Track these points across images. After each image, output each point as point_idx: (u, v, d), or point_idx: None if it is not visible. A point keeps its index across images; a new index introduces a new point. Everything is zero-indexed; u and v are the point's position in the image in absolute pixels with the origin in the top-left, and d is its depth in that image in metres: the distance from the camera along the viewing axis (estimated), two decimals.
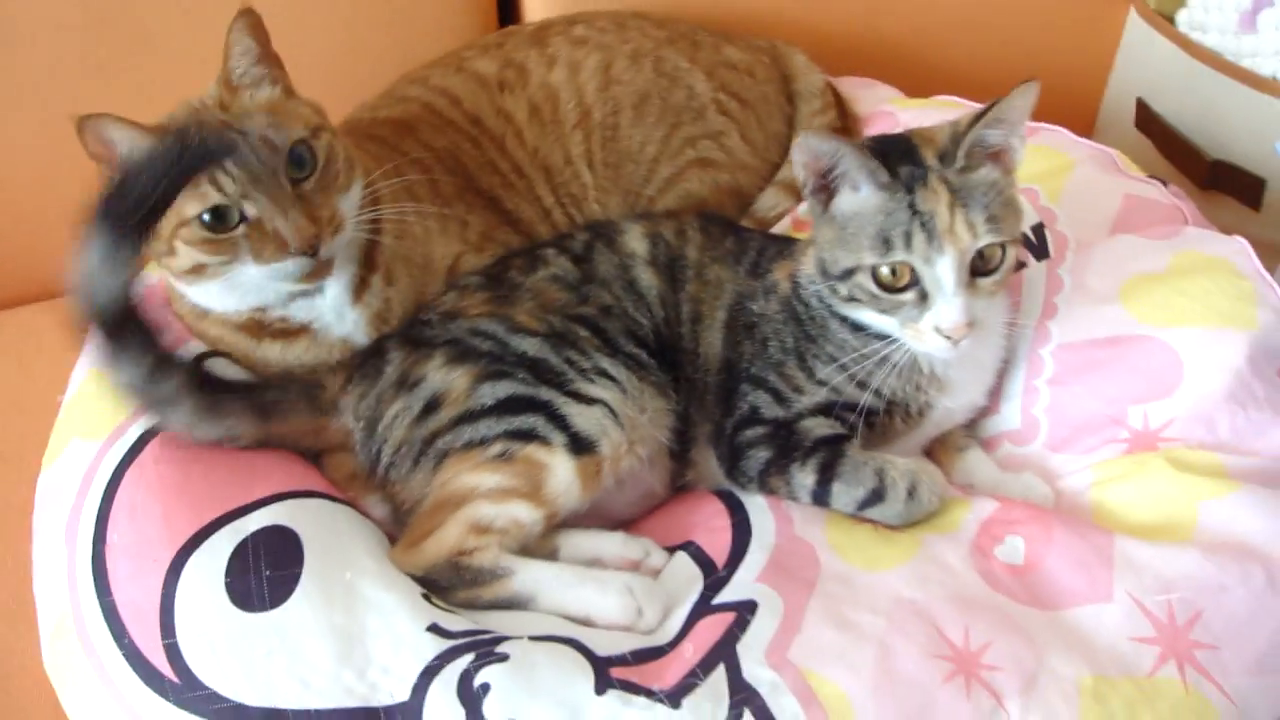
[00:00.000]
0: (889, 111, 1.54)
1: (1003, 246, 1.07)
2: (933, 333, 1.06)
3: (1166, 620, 0.98)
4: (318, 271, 1.15)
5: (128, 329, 1.04)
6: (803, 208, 1.43)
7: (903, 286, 1.06)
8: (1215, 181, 1.64)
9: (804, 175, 1.09)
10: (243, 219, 1.10)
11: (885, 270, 1.06)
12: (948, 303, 1.05)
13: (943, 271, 1.05)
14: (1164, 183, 1.36)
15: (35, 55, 1.46)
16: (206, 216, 1.10)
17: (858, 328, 1.14)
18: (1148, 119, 1.77)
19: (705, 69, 1.42)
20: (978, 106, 1.09)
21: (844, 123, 1.52)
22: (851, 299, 1.10)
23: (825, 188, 1.10)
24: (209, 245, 1.12)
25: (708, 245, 1.25)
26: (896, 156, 1.07)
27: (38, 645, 1.07)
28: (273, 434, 1.15)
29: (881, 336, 1.12)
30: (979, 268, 1.06)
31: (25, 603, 1.11)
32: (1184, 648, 0.97)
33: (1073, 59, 1.71)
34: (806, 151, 1.07)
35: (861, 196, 1.08)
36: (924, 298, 1.06)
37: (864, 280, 1.08)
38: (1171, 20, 1.76)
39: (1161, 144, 1.74)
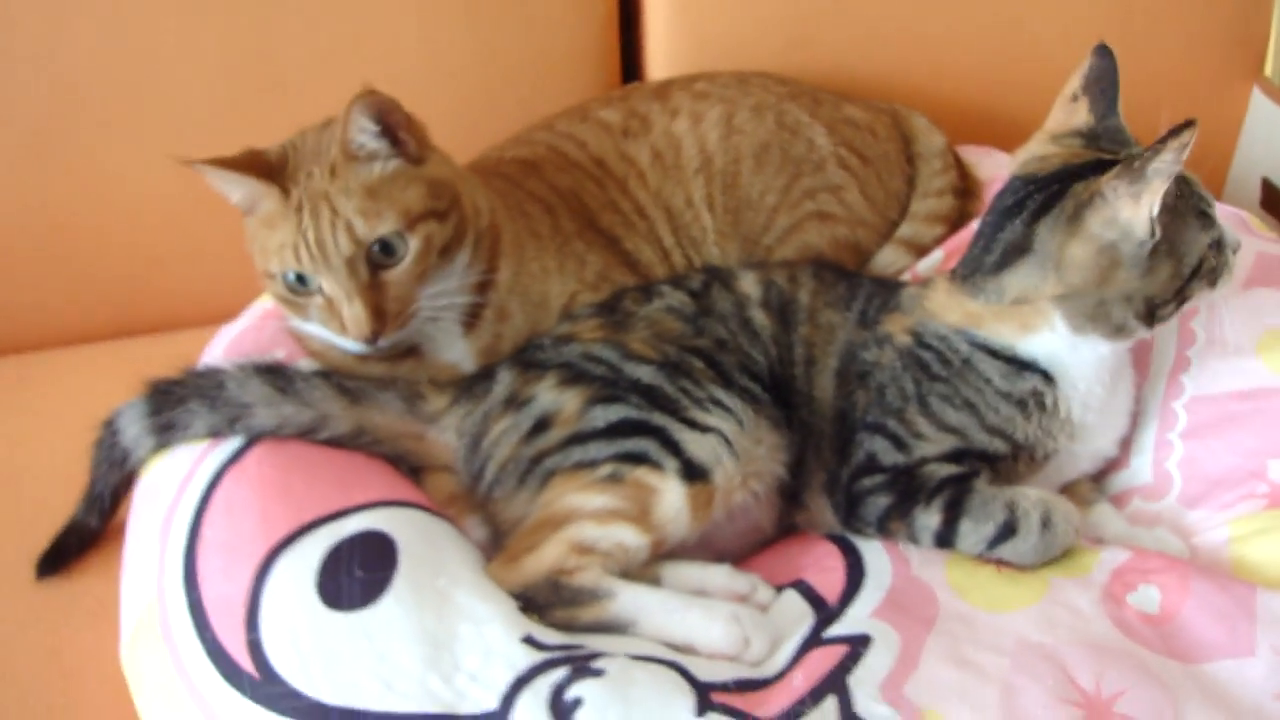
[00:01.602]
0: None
1: None
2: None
3: None
4: (387, 350, 1.16)
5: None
6: (923, 264, 1.41)
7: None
8: None
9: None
10: (322, 288, 1.13)
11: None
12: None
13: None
14: None
15: (173, 92, 1.50)
16: (291, 276, 1.12)
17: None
18: (1274, 199, 1.72)
19: (826, 124, 1.43)
20: None
21: (965, 184, 1.50)
22: (1184, 299, 1.07)
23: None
24: (286, 304, 1.15)
25: (820, 290, 1.23)
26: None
27: (115, 650, 1.06)
28: (365, 424, 1.15)
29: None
30: None
31: (109, 605, 1.10)
32: None
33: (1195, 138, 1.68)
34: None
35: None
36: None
37: (1211, 259, 1.07)
38: None
39: None
